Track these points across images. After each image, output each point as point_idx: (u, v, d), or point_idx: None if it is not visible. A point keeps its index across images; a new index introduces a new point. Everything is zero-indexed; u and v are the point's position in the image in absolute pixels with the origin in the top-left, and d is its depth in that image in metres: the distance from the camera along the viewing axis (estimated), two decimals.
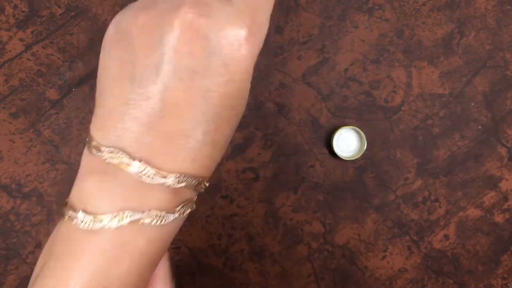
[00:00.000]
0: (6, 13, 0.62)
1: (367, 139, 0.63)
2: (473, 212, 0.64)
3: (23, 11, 0.62)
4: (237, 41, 0.20)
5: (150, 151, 0.20)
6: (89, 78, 0.63)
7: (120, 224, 0.19)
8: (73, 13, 0.63)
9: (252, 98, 0.63)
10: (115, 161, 0.19)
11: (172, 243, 0.63)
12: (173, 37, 0.19)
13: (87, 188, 0.20)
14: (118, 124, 0.20)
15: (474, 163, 0.64)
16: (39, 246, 0.63)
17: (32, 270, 0.63)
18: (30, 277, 0.63)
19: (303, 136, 0.63)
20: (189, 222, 0.63)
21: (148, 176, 0.19)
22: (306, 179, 0.63)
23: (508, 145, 0.64)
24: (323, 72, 0.63)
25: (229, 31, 0.19)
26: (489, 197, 0.64)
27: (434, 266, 0.64)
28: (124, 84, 0.20)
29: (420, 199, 0.64)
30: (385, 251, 0.64)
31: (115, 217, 0.19)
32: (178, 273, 0.63)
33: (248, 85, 0.21)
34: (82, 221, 0.19)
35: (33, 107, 0.63)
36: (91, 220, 0.19)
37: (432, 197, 0.64)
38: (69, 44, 0.63)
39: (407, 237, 0.64)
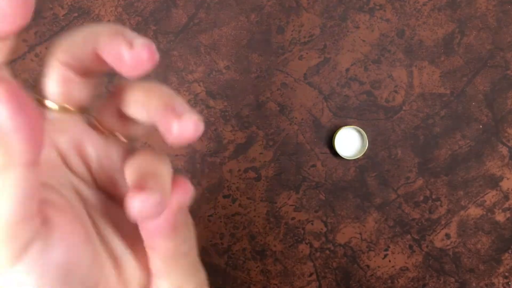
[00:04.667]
0: None
1: (368, 138, 0.63)
2: (474, 211, 0.64)
3: None
4: None
5: None
6: None
7: None
8: (76, 14, 0.63)
9: (254, 98, 0.63)
10: None
11: None
12: None
13: None
14: None
15: (475, 162, 0.64)
16: None
17: None
18: None
19: (304, 136, 0.64)
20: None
21: None
22: (307, 178, 0.64)
23: (509, 144, 0.64)
24: (324, 72, 0.64)
25: None
26: (490, 196, 0.64)
27: (435, 265, 0.65)
28: None
29: (421, 198, 0.64)
30: (386, 250, 0.64)
31: None
32: None
33: None
34: None
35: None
36: None
37: (433, 196, 0.64)
38: None
39: (409, 236, 0.64)
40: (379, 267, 0.64)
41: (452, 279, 0.65)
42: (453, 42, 0.63)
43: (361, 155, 0.62)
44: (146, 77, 0.63)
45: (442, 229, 0.64)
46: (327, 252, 0.64)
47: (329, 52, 0.63)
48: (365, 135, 0.61)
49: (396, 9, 0.63)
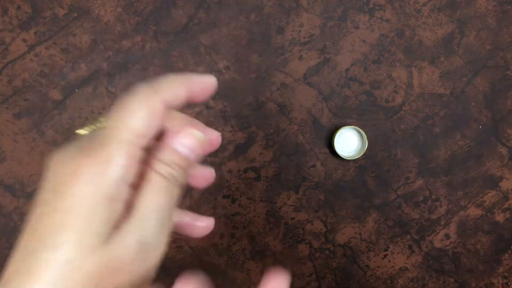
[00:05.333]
0: (9, 14, 0.63)
1: (368, 138, 0.63)
2: (473, 211, 0.64)
3: (26, 12, 0.63)
4: None
5: None
6: (92, 79, 0.63)
7: None
8: (75, 14, 0.63)
9: (254, 98, 0.63)
10: None
11: (174, 242, 0.63)
12: None
13: None
14: None
15: (475, 163, 0.64)
16: None
17: None
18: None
19: (304, 136, 0.64)
20: None
21: None
22: (307, 178, 0.64)
23: (509, 145, 0.64)
24: (324, 72, 0.64)
25: None
26: (490, 197, 0.64)
27: (435, 265, 0.65)
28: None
29: (421, 198, 0.64)
30: (386, 250, 0.64)
31: None
32: (180, 272, 0.63)
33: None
34: None
35: (36, 108, 0.63)
36: None
37: (433, 197, 0.64)
38: (72, 45, 0.63)
39: (408, 236, 0.64)
40: (378, 267, 0.64)
41: (452, 279, 0.65)
42: (453, 42, 0.64)
43: (360, 155, 0.62)
44: (148, 78, 0.63)
45: (442, 229, 0.64)
46: (327, 252, 0.64)
47: (329, 52, 0.63)
48: (365, 135, 0.61)
49: (396, 9, 0.63)
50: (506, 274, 0.65)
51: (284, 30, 0.63)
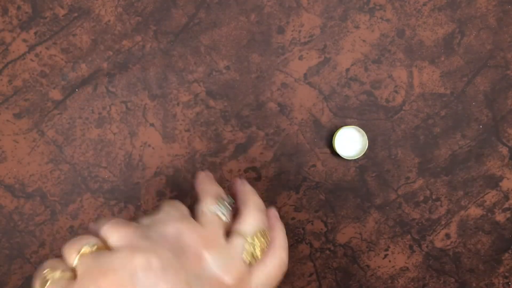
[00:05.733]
0: (10, 14, 0.63)
1: (368, 138, 0.63)
2: (474, 211, 0.64)
3: (26, 12, 0.63)
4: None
5: None
6: (92, 79, 0.63)
7: None
8: (76, 14, 0.63)
9: (254, 98, 0.63)
10: None
11: None
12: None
13: None
14: None
15: (475, 163, 0.64)
16: (43, 245, 0.63)
17: (35, 269, 0.63)
18: (33, 277, 0.64)
19: (304, 136, 0.64)
20: None
21: None
22: (307, 178, 0.64)
23: (509, 144, 0.64)
24: (324, 72, 0.64)
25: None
26: (490, 196, 0.64)
27: (435, 265, 0.65)
28: None
29: (422, 198, 0.64)
30: (386, 250, 0.64)
31: None
32: None
33: None
34: None
35: (37, 108, 0.63)
36: None
37: (434, 196, 0.64)
38: (72, 45, 0.63)
39: (409, 236, 0.64)
40: (379, 267, 0.64)
41: (452, 279, 0.65)
42: (453, 42, 0.64)
43: (361, 155, 0.62)
44: (147, 77, 0.63)
45: (442, 229, 0.64)
46: (327, 252, 0.64)
47: (329, 52, 0.63)
48: (365, 135, 0.61)
49: (396, 9, 0.63)
50: (506, 274, 0.65)
51: (284, 30, 0.63)
